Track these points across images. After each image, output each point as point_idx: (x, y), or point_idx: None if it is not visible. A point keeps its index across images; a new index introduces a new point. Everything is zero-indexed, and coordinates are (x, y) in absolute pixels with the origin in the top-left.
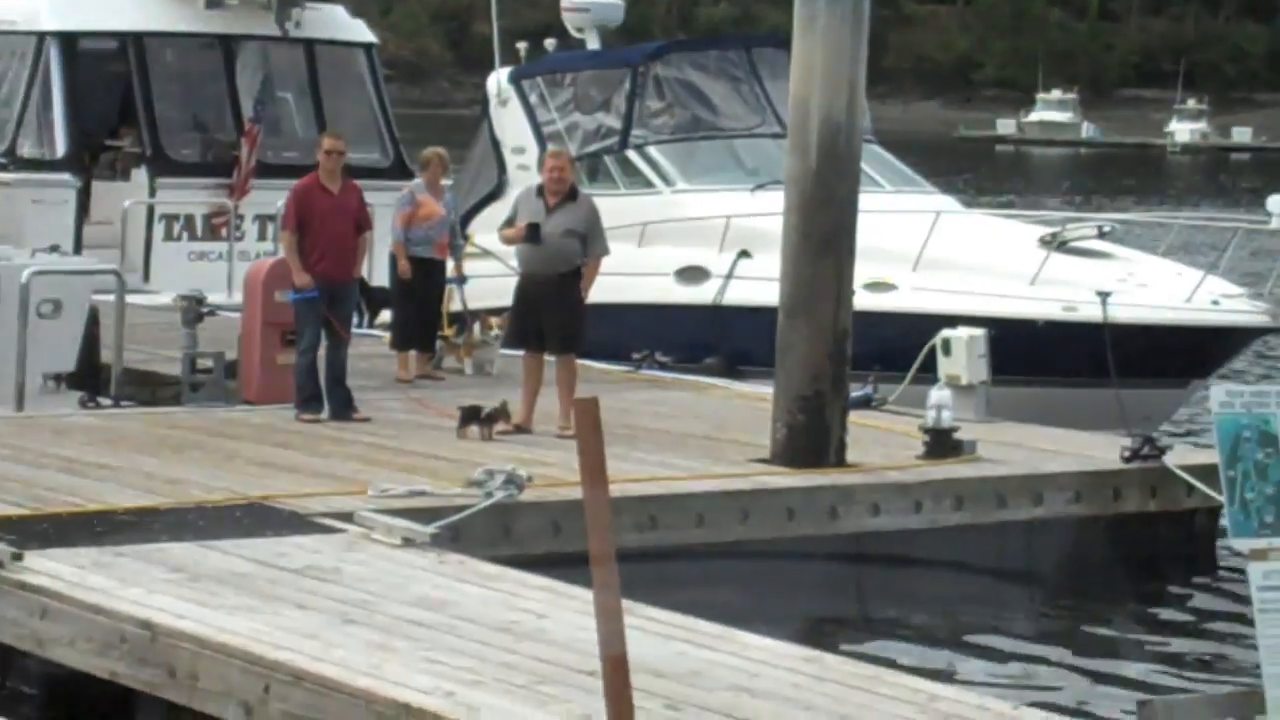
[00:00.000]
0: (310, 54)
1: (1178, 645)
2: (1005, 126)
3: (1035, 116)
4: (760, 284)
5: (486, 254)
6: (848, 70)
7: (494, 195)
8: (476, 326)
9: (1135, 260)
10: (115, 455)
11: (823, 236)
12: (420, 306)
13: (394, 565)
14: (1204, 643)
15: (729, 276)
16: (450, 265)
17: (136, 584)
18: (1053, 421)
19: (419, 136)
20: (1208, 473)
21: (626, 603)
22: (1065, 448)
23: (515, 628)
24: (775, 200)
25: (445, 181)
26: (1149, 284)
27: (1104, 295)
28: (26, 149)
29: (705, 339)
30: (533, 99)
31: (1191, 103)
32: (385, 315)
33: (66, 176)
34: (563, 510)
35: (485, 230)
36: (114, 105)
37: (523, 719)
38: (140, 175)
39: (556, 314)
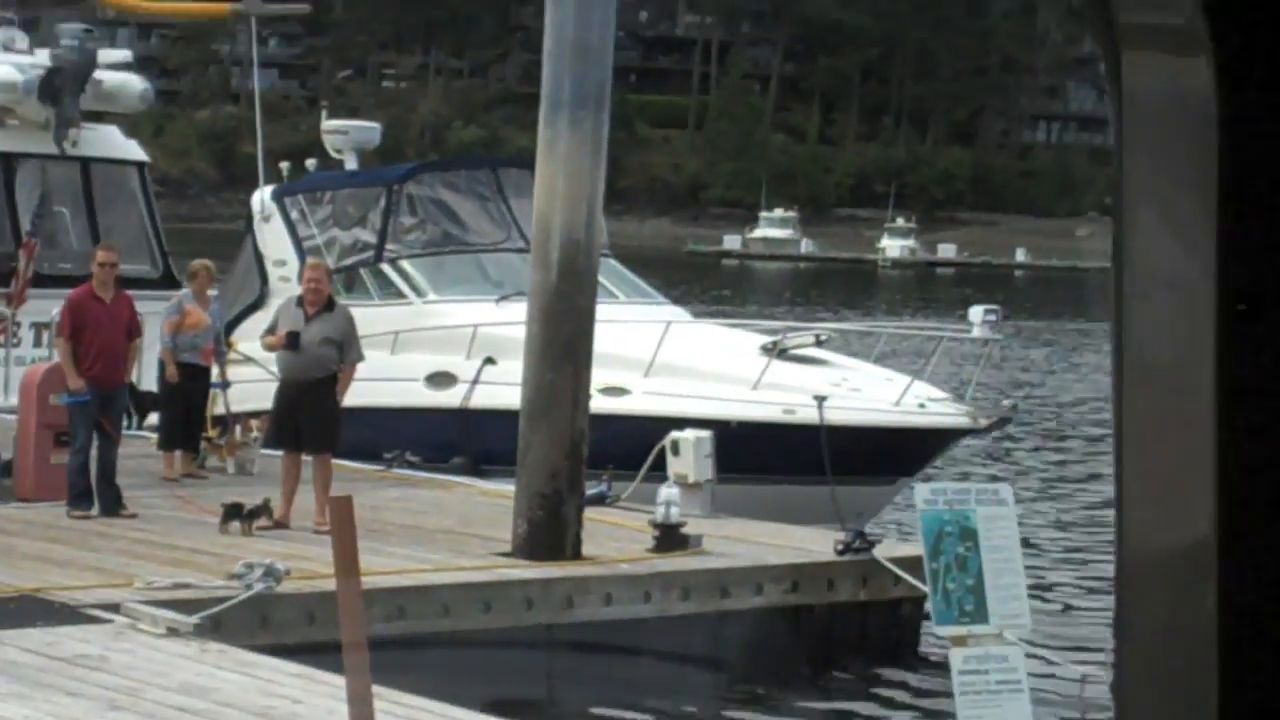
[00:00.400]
0: (86, 171)
1: None
2: (731, 242)
3: (758, 233)
4: (504, 389)
5: (249, 360)
6: (587, 190)
7: (256, 305)
8: (238, 428)
9: (849, 366)
10: None
11: (562, 345)
12: (186, 409)
13: (159, 654)
14: None
15: (475, 382)
16: (215, 371)
17: None
18: (774, 517)
19: (187, 249)
20: (914, 564)
21: (377, 688)
22: (784, 541)
23: (272, 712)
24: (519, 311)
25: (211, 292)
26: (861, 389)
27: (820, 399)
28: None
29: (452, 440)
30: (294, 215)
31: (901, 221)
32: (153, 417)
33: None
34: (318, 601)
35: (248, 338)
36: None
37: None
38: None
39: (314, 416)
